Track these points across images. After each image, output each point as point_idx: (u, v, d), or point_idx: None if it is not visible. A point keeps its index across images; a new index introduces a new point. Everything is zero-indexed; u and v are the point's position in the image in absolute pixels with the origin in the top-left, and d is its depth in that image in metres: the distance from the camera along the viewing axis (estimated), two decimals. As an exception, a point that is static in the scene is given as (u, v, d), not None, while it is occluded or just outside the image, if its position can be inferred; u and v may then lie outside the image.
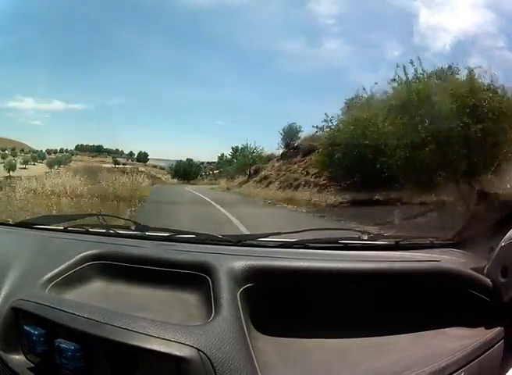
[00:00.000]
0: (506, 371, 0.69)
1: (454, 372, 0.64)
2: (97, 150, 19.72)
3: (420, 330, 0.75)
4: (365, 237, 1.00)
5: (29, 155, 16.69)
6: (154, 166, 19.38)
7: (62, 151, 18.35)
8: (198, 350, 0.61)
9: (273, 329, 0.73)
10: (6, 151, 15.79)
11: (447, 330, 0.76)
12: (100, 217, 1.27)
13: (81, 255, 0.90)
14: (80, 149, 19.64)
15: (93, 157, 19.41)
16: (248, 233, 3.09)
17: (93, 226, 1.19)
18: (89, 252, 0.91)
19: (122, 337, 0.64)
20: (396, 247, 0.97)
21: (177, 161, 18.35)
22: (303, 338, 0.73)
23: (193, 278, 0.80)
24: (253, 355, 0.63)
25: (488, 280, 0.76)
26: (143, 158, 19.89)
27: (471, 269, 0.80)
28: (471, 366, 0.66)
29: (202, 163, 19.49)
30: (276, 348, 0.69)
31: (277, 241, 1.00)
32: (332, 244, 0.97)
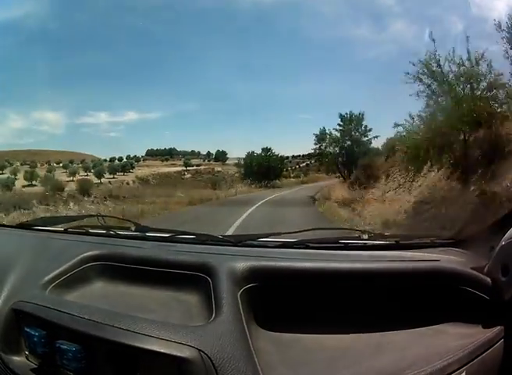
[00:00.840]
0: (508, 370, 0.69)
1: (456, 370, 0.64)
2: (169, 153, 19.70)
3: (421, 328, 0.75)
4: (365, 237, 1.00)
5: (80, 165, 17.19)
6: (236, 165, 19.19)
7: (128, 158, 18.41)
8: (199, 350, 0.61)
9: (274, 329, 0.73)
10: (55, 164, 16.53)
11: (448, 328, 0.76)
12: (100, 218, 1.27)
13: (81, 256, 0.90)
14: (151, 154, 19.68)
15: (163, 161, 19.40)
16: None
17: (93, 228, 1.19)
18: (89, 253, 0.91)
19: (123, 338, 0.64)
20: (396, 246, 0.97)
21: (247, 154, 17.59)
22: (304, 338, 0.73)
23: (194, 279, 0.80)
24: (254, 355, 0.63)
25: (488, 279, 0.76)
26: (221, 157, 19.87)
27: (472, 268, 0.80)
28: (472, 365, 0.66)
29: (287, 157, 19.14)
30: (277, 348, 0.69)
31: (277, 241, 1.00)
32: (333, 244, 0.97)
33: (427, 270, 0.82)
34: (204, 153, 19.92)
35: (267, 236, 1.02)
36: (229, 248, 0.96)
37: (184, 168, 18.77)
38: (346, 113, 12.97)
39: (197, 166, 19.19)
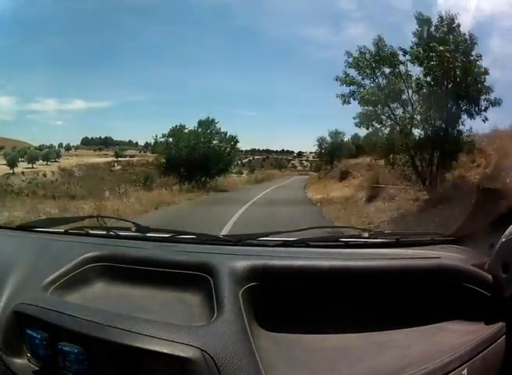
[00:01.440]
0: (509, 366, 0.69)
1: (457, 368, 0.65)
2: (105, 142, 17.67)
3: (422, 326, 0.75)
4: (366, 235, 1.00)
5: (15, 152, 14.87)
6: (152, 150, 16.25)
7: (60, 146, 16.46)
8: (202, 350, 0.61)
9: (276, 328, 0.73)
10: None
11: (449, 326, 0.76)
12: (100, 219, 1.27)
13: (82, 257, 0.90)
14: (86, 143, 17.84)
15: (95, 150, 17.29)
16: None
17: (93, 228, 1.19)
18: (90, 254, 0.91)
19: (125, 339, 0.64)
20: (396, 244, 0.98)
21: (172, 129, 10.82)
22: (305, 336, 0.74)
23: (195, 278, 0.80)
24: (256, 354, 0.63)
25: (489, 276, 0.76)
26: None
27: (472, 265, 0.80)
28: (473, 362, 0.66)
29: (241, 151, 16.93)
30: (279, 347, 0.70)
31: (278, 240, 1.00)
32: (333, 243, 0.97)
33: (428, 268, 0.82)
34: (143, 144, 17.24)
35: (267, 235, 1.02)
36: (229, 248, 0.96)
37: (115, 159, 16.00)
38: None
39: (131, 156, 16.42)
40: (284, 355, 0.68)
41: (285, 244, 0.98)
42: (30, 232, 1.21)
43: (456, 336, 0.72)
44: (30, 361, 0.75)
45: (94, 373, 0.68)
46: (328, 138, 13.54)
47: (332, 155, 13.73)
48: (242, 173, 17.08)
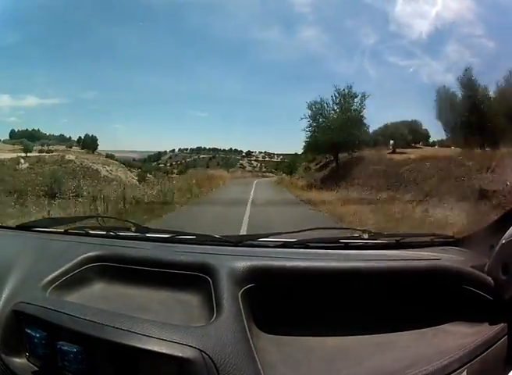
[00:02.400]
0: (509, 368, 0.69)
1: (457, 369, 0.64)
2: (31, 136, 14.66)
3: (422, 328, 0.75)
4: (366, 236, 1.00)
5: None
6: (109, 157, 14.45)
7: None
8: (200, 351, 0.61)
9: (275, 329, 0.73)
10: None
11: (449, 328, 0.76)
12: (99, 219, 1.27)
13: (82, 257, 0.90)
14: (15, 136, 14.95)
15: (13, 144, 14.06)
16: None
17: (93, 228, 1.19)
18: (89, 254, 0.91)
19: (123, 339, 0.64)
20: (396, 245, 0.97)
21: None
22: (304, 337, 0.73)
23: (194, 279, 0.80)
24: (255, 355, 0.63)
25: (489, 278, 0.76)
26: (90, 144, 14.85)
27: (472, 267, 0.80)
28: (473, 364, 0.66)
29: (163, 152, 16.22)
30: (278, 348, 0.70)
31: (277, 241, 1.00)
32: (333, 244, 0.97)
33: (427, 269, 0.82)
34: (76, 139, 14.86)
35: (267, 236, 1.02)
36: (229, 249, 0.96)
37: (23, 154, 12.87)
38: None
39: (41, 152, 13.47)
40: (283, 356, 0.68)
41: (285, 245, 0.98)
42: (29, 232, 1.21)
43: (455, 338, 0.72)
44: (29, 360, 0.75)
45: (93, 372, 0.68)
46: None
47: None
48: (170, 173, 14.86)
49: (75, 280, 0.86)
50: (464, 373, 0.65)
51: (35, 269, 0.89)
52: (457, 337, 0.72)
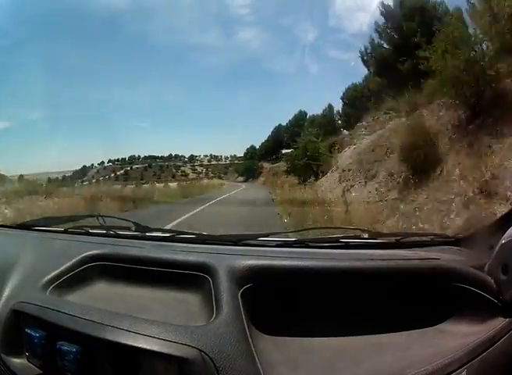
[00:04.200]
0: (509, 368, 0.69)
1: (456, 370, 0.64)
2: None
3: (421, 328, 0.75)
4: (366, 236, 1.00)
5: None
6: None
7: None
8: (200, 351, 0.61)
9: (274, 328, 0.73)
10: None
11: (448, 328, 0.76)
12: (100, 218, 1.27)
13: (82, 256, 0.90)
14: None
15: None
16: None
17: (93, 228, 1.19)
18: (89, 253, 0.91)
19: (123, 339, 0.64)
20: (396, 245, 0.97)
21: None
22: (304, 337, 0.73)
23: (194, 278, 0.80)
24: (255, 355, 0.63)
25: (488, 278, 0.76)
26: None
27: (472, 266, 0.80)
28: (472, 364, 0.66)
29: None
30: (278, 348, 0.69)
31: (277, 241, 1.00)
32: (333, 243, 0.97)
33: (427, 269, 0.82)
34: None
35: (267, 235, 1.02)
36: (229, 248, 0.96)
37: None
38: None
39: None
40: (283, 356, 0.68)
41: (284, 244, 0.98)
42: (30, 231, 1.21)
43: (455, 338, 0.72)
44: (28, 360, 0.75)
45: (93, 372, 0.68)
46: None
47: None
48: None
49: (75, 279, 0.86)
50: (464, 373, 0.65)
51: (35, 269, 0.89)
52: (457, 337, 0.72)
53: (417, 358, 0.66)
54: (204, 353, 0.61)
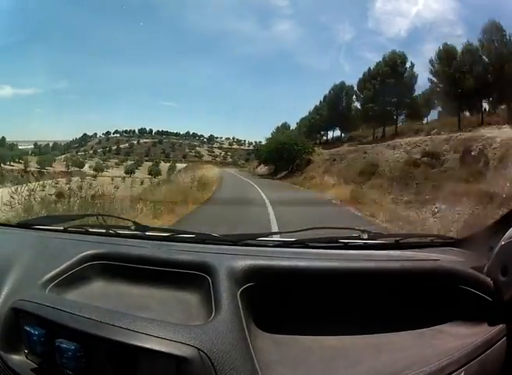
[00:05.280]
0: (507, 370, 0.69)
1: (455, 371, 0.64)
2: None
3: (421, 328, 0.75)
4: (365, 236, 1.00)
5: None
6: None
7: None
8: (199, 350, 0.61)
9: (273, 328, 0.73)
10: None
11: (448, 328, 0.76)
12: (99, 217, 1.27)
13: (81, 255, 0.90)
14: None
15: None
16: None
17: (92, 227, 1.19)
18: (89, 252, 0.91)
19: (122, 337, 0.64)
20: (396, 246, 0.97)
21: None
22: (303, 337, 0.73)
23: (193, 278, 0.80)
24: (253, 354, 0.63)
25: (488, 279, 0.76)
26: None
27: (471, 268, 0.80)
28: (471, 365, 0.66)
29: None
30: (276, 347, 0.70)
31: (277, 241, 1.00)
32: (332, 244, 0.97)
33: (427, 270, 0.82)
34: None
35: (266, 235, 1.02)
36: (228, 247, 0.96)
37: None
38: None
39: None
40: (281, 356, 0.68)
41: (284, 244, 0.98)
42: (29, 229, 1.21)
43: (454, 339, 0.72)
44: (27, 357, 0.75)
45: (91, 370, 0.68)
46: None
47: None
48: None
49: (74, 278, 0.86)
50: (462, 374, 0.65)
51: (34, 267, 0.89)
52: (456, 338, 0.72)
53: (415, 359, 0.66)
54: (203, 352, 0.61)
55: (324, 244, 0.97)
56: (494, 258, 0.77)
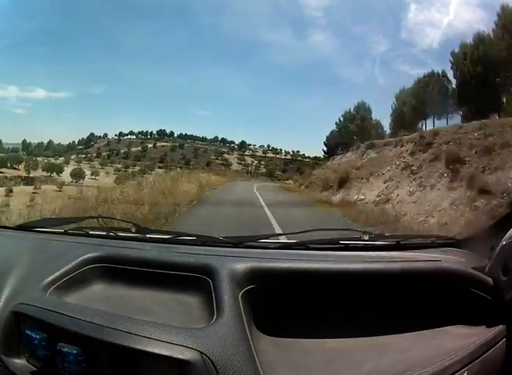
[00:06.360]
0: (509, 369, 0.69)
1: (457, 371, 0.64)
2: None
3: (422, 329, 0.75)
4: (366, 238, 1.00)
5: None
6: None
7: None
8: (201, 353, 0.61)
9: (275, 330, 0.73)
10: None
11: (449, 329, 0.76)
12: (100, 219, 1.27)
13: (82, 257, 0.90)
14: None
15: None
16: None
17: (93, 229, 1.19)
18: (89, 255, 0.91)
19: (123, 341, 0.64)
20: (397, 247, 0.97)
21: None
22: (305, 339, 0.73)
23: (195, 280, 0.80)
24: (255, 356, 0.63)
25: (489, 279, 0.76)
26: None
27: (472, 268, 0.80)
28: (473, 365, 0.66)
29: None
30: (278, 350, 0.69)
31: (278, 243, 1.00)
32: (333, 245, 0.97)
33: (428, 270, 0.82)
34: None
35: (267, 237, 1.02)
36: (229, 250, 0.96)
37: None
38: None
39: None
40: (283, 358, 0.67)
41: (285, 246, 0.98)
42: (29, 232, 1.21)
43: (456, 339, 0.72)
44: (28, 361, 0.75)
45: (93, 374, 0.67)
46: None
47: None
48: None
49: (75, 281, 0.86)
50: (465, 374, 0.65)
51: (35, 270, 0.89)
52: (458, 339, 0.72)
53: (418, 360, 0.66)
54: (205, 355, 0.60)
55: (325, 246, 0.97)
56: (495, 258, 0.77)
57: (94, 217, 1.30)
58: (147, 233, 1.10)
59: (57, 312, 0.72)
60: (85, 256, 0.90)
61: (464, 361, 0.66)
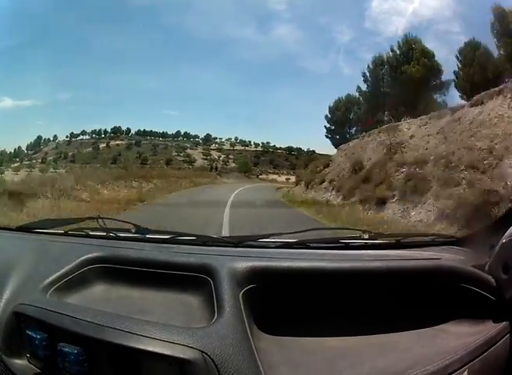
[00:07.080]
0: (510, 368, 0.69)
1: (458, 369, 0.64)
2: None
3: (423, 328, 0.75)
4: (366, 236, 1.00)
5: None
6: None
7: None
8: (202, 352, 0.61)
9: (276, 329, 0.73)
10: None
11: (450, 327, 0.76)
12: (100, 220, 1.27)
13: (82, 258, 0.90)
14: None
15: None
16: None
17: (93, 230, 1.19)
18: (90, 256, 0.91)
19: (124, 341, 0.64)
20: (397, 245, 0.97)
21: None
22: (305, 338, 0.73)
23: (195, 280, 0.80)
24: (256, 355, 0.63)
25: (489, 277, 0.76)
26: None
27: (473, 266, 0.80)
28: (474, 364, 0.66)
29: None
30: (279, 349, 0.69)
31: (278, 242, 1.00)
32: (333, 244, 0.97)
33: (428, 269, 0.82)
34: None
35: (267, 236, 1.02)
36: (229, 249, 0.96)
37: None
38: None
39: None
40: (284, 357, 0.68)
41: (285, 245, 0.98)
42: (29, 233, 1.21)
43: (456, 338, 0.72)
44: (29, 361, 0.75)
45: (94, 374, 0.68)
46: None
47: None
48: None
49: (75, 281, 0.86)
50: (465, 372, 0.65)
51: (35, 271, 0.89)
52: (458, 337, 0.72)
53: (418, 358, 0.66)
54: (206, 354, 0.60)
55: (325, 245, 0.97)
56: (495, 256, 0.77)
57: (93, 218, 1.30)
58: (147, 234, 1.10)
59: (57, 312, 0.72)
60: (85, 257, 0.90)
61: (464, 359, 0.66)
